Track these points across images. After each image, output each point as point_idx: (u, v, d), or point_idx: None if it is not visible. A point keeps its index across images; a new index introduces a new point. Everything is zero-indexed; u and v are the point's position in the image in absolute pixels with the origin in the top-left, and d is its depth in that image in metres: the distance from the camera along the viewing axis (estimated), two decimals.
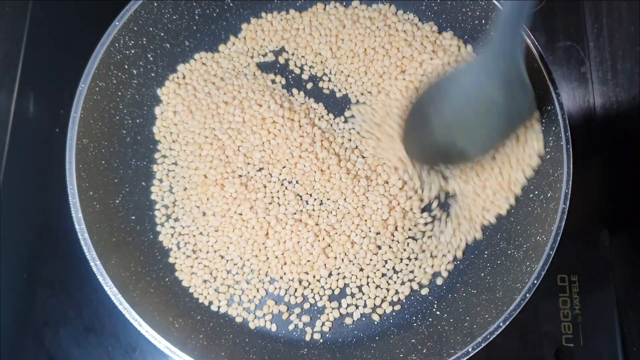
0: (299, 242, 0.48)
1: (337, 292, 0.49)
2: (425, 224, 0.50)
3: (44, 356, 0.52)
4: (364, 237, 0.48)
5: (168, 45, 0.52)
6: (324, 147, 0.50)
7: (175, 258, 0.50)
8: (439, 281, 0.49)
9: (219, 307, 0.49)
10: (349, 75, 0.53)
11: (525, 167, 0.46)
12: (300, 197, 0.50)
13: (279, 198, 0.50)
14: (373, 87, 0.52)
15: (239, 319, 0.49)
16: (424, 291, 0.49)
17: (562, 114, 0.43)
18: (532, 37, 0.45)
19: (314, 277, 0.49)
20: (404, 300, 0.49)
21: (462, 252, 0.49)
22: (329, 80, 0.53)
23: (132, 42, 0.48)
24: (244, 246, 0.49)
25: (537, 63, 0.45)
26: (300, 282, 0.49)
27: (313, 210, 0.50)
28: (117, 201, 0.49)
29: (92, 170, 0.46)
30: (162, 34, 0.51)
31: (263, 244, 0.49)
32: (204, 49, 0.54)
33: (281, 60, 0.54)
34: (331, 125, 0.52)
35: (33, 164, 0.57)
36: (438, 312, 0.48)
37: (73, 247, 0.50)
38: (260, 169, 0.51)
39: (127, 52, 0.48)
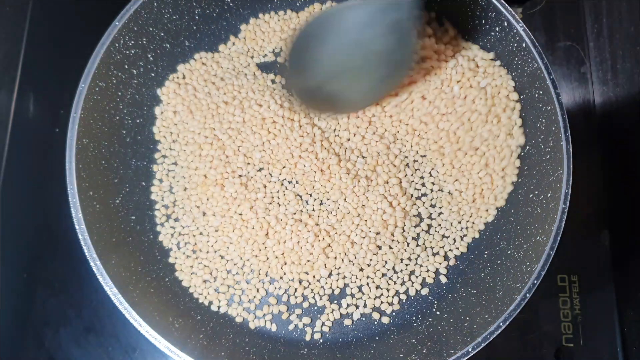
0: (299, 242, 0.48)
1: (337, 292, 0.49)
2: (425, 224, 0.50)
3: (44, 356, 0.52)
4: (364, 237, 0.48)
5: (168, 45, 0.52)
6: (324, 147, 0.50)
7: (175, 258, 0.50)
8: (439, 281, 0.49)
9: (219, 307, 0.49)
10: None
11: (509, 165, 0.48)
12: (300, 197, 0.50)
13: (279, 198, 0.50)
14: None
15: (239, 319, 0.49)
16: (424, 291, 0.49)
17: (562, 114, 0.43)
18: (532, 37, 0.45)
19: (314, 277, 0.49)
20: (404, 300, 0.49)
21: (461, 250, 0.49)
22: None
23: (132, 42, 0.48)
24: (244, 246, 0.49)
25: (537, 63, 0.45)
26: (300, 282, 0.49)
27: (313, 210, 0.50)
28: (117, 201, 0.49)
29: (92, 170, 0.46)
30: (162, 34, 0.51)
31: (263, 244, 0.49)
32: (204, 49, 0.54)
33: (281, 60, 0.54)
34: (331, 125, 0.52)
35: (33, 164, 0.57)
36: (438, 312, 0.48)
37: (73, 247, 0.50)
38: (260, 169, 0.51)
39: (127, 52, 0.48)
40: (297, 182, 0.50)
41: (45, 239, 0.55)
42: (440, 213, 0.50)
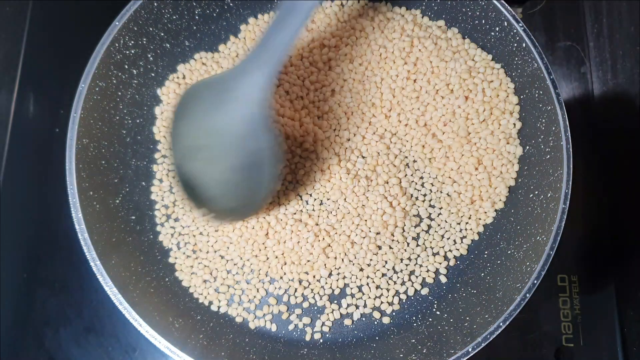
0: (299, 242, 0.48)
1: (337, 292, 0.49)
2: (425, 224, 0.50)
3: (44, 356, 0.52)
4: (364, 237, 0.48)
5: (168, 45, 0.52)
6: (324, 147, 0.50)
7: (175, 258, 0.50)
8: (439, 281, 0.49)
9: (219, 307, 0.49)
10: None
11: (506, 169, 0.48)
12: (300, 197, 0.50)
13: (279, 198, 0.50)
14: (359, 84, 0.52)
15: (239, 319, 0.49)
16: (424, 291, 0.49)
17: (562, 114, 0.43)
18: (532, 37, 0.45)
19: (314, 277, 0.49)
20: (404, 300, 0.49)
21: (461, 252, 0.49)
22: None
23: (132, 42, 0.48)
24: (244, 246, 0.49)
25: (537, 63, 0.45)
26: (300, 282, 0.49)
27: (313, 210, 0.50)
28: (117, 201, 0.49)
29: (92, 170, 0.46)
30: (162, 34, 0.51)
31: (263, 244, 0.49)
32: (204, 49, 0.54)
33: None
34: (331, 125, 0.52)
35: (33, 164, 0.57)
36: (438, 312, 0.48)
37: (73, 247, 0.50)
38: None
39: (127, 52, 0.48)
40: (297, 182, 0.50)
41: (45, 239, 0.55)
42: (440, 213, 0.50)
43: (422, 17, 0.53)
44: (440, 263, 0.49)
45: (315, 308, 0.49)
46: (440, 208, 0.50)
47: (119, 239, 0.47)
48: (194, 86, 0.39)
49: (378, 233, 0.49)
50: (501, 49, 0.49)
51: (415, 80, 0.51)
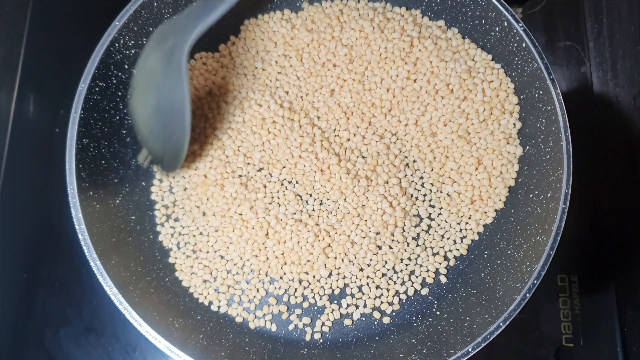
0: (299, 242, 0.48)
1: (337, 292, 0.49)
2: (425, 224, 0.50)
3: (44, 356, 0.52)
4: (364, 237, 0.48)
5: None
6: (324, 147, 0.50)
7: (175, 258, 0.50)
8: (439, 281, 0.49)
9: (219, 307, 0.49)
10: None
11: (508, 168, 0.48)
12: (300, 197, 0.50)
13: (279, 198, 0.50)
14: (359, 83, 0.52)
15: (239, 319, 0.49)
16: (424, 291, 0.49)
17: (562, 114, 0.43)
18: (532, 37, 0.45)
19: (314, 277, 0.49)
20: (404, 300, 0.49)
21: (461, 252, 0.49)
22: None
23: (132, 42, 0.48)
24: (244, 246, 0.49)
25: (537, 63, 0.45)
26: (300, 282, 0.49)
27: (313, 210, 0.50)
28: (117, 201, 0.49)
29: (92, 170, 0.46)
30: None
31: (263, 244, 0.49)
32: (204, 48, 0.54)
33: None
34: (331, 125, 0.52)
35: (33, 164, 0.57)
36: (438, 312, 0.48)
37: (73, 247, 0.50)
38: (260, 169, 0.51)
39: (127, 52, 0.48)
40: (297, 182, 0.50)
41: (45, 239, 0.55)
42: (440, 213, 0.50)
43: (422, 17, 0.53)
44: (440, 263, 0.49)
45: (315, 308, 0.49)
46: (440, 208, 0.50)
47: (119, 239, 0.47)
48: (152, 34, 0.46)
49: (378, 233, 0.49)
50: (501, 49, 0.49)
51: (415, 80, 0.51)
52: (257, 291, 0.49)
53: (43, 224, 0.55)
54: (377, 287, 0.49)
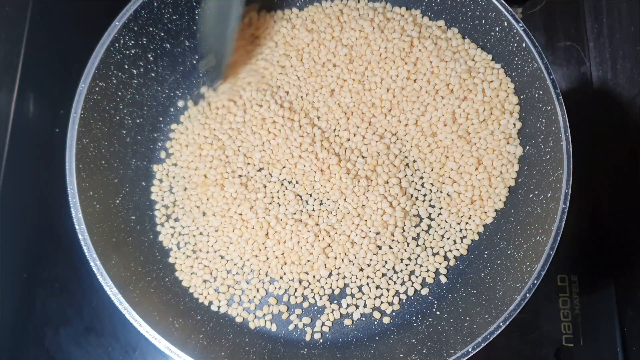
0: (299, 242, 0.48)
1: (337, 292, 0.49)
2: (425, 224, 0.50)
3: (44, 356, 0.52)
4: (364, 237, 0.48)
5: (168, 45, 0.52)
6: (324, 147, 0.50)
7: (175, 258, 0.50)
8: (439, 281, 0.49)
9: (219, 307, 0.49)
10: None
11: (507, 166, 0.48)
12: (300, 197, 0.50)
13: (279, 198, 0.50)
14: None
15: (239, 319, 0.49)
16: (424, 291, 0.49)
17: (562, 114, 0.43)
18: (532, 37, 0.45)
19: (314, 277, 0.49)
20: (404, 300, 0.49)
21: (461, 252, 0.49)
22: None
23: (132, 42, 0.48)
24: (244, 246, 0.49)
25: (537, 63, 0.45)
26: (300, 282, 0.49)
27: (313, 210, 0.50)
28: (117, 201, 0.49)
29: (92, 170, 0.46)
30: (162, 34, 0.51)
31: (263, 244, 0.49)
32: None
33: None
34: (331, 125, 0.52)
35: (33, 164, 0.57)
36: (438, 312, 0.48)
37: (73, 247, 0.50)
38: (260, 169, 0.51)
39: (127, 52, 0.48)
40: (297, 182, 0.50)
41: (45, 239, 0.55)
42: (440, 213, 0.50)
43: (422, 17, 0.53)
44: (440, 263, 0.49)
45: (315, 308, 0.49)
46: (440, 208, 0.50)
47: (119, 239, 0.47)
48: None
49: (378, 233, 0.49)
50: (501, 49, 0.49)
51: (415, 80, 0.50)
52: (257, 291, 0.49)
53: (43, 224, 0.55)
54: (377, 287, 0.49)
